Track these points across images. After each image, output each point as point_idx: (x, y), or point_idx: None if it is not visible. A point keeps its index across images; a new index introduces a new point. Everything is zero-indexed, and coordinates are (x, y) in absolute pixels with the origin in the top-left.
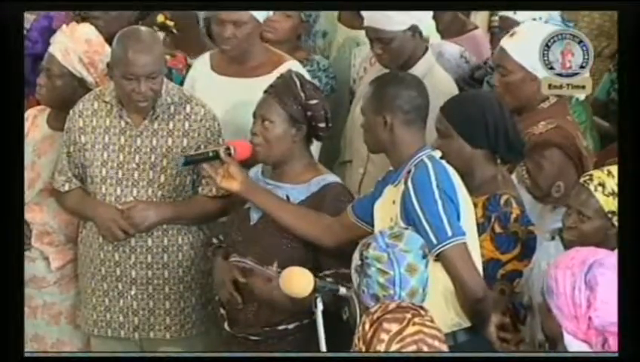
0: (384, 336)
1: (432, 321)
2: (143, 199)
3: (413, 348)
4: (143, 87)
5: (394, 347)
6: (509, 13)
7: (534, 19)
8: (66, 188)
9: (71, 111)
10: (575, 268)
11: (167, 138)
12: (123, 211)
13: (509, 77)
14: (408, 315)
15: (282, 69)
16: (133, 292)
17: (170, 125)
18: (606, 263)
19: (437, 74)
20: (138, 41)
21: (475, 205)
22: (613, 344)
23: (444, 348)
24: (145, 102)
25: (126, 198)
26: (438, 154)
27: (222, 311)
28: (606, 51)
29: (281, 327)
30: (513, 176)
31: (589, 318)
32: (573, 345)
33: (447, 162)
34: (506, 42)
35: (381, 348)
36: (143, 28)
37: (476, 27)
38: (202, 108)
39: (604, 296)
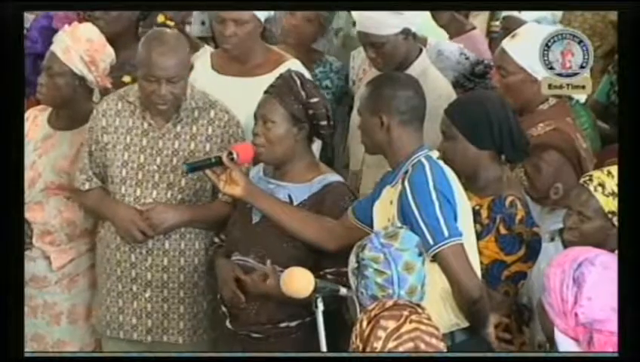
0: (381, 333)
1: (429, 319)
2: (163, 201)
3: (410, 345)
4: (162, 90)
5: (391, 344)
6: (514, 13)
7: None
8: (87, 186)
9: (94, 110)
10: (566, 265)
11: (189, 142)
12: (142, 212)
13: (509, 78)
14: (405, 313)
15: (283, 69)
16: (147, 295)
17: (194, 129)
18: (597, 262)
19: (432, 75)
20: (162, 43)
21: (480, 206)
22: (597, 342)
23: (442, 345)
24: (164, 105)
25: (145, 200)
26: (435, 154)
27: (223, 308)
28: (599, 51)
29: (283, 325)
30: None
31: (575, 314)
32: (563, 342)
33: (453, 164)
34: (506, 43)
35: (378, 345)
36: (169, 31)
37: (474, 27)
38: (226, 114)
39: (589, 293)
